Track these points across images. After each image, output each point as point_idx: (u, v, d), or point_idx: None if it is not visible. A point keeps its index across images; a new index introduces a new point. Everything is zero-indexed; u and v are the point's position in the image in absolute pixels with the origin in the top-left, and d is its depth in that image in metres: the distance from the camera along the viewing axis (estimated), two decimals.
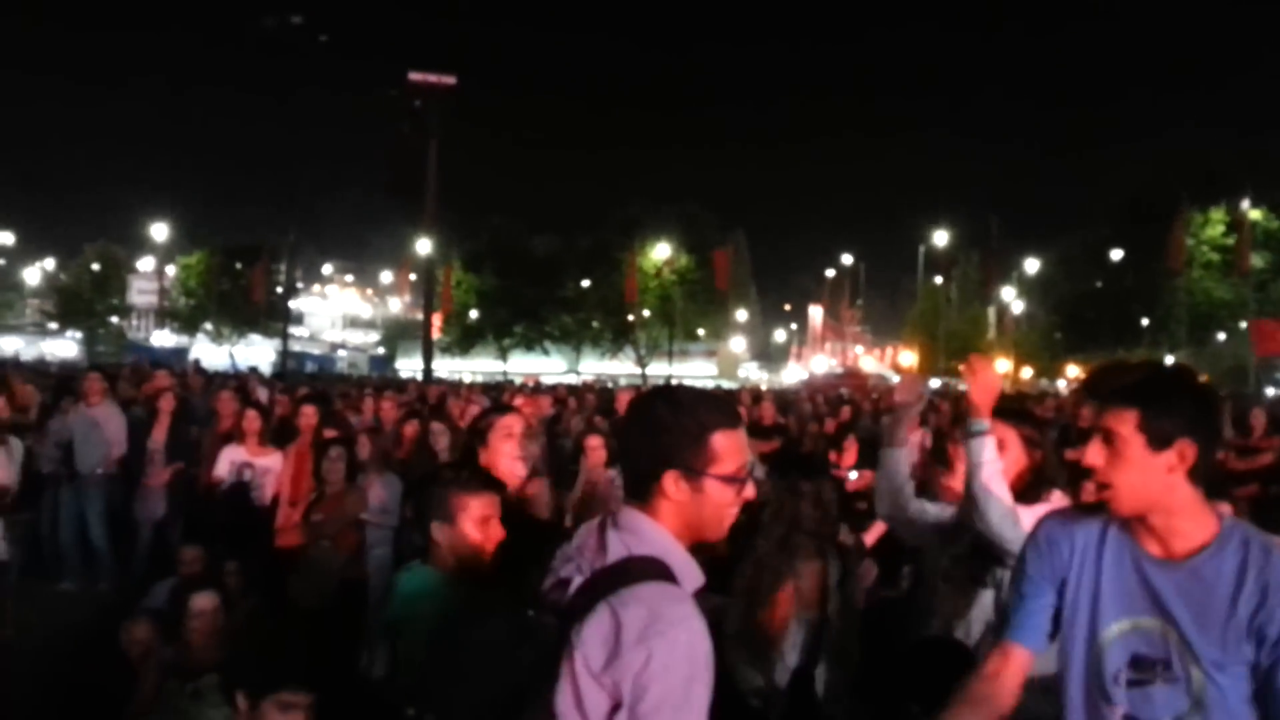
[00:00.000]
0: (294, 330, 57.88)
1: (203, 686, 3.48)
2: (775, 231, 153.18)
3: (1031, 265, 52.84)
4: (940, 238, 52.45)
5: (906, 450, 3.47)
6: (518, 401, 10.50)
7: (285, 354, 45.29)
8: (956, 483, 3.37)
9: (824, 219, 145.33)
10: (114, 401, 8.91)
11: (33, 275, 66.58)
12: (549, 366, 51.84)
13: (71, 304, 58.92)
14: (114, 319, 60.87)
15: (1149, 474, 1.94)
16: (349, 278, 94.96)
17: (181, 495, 8.13)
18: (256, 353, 52.14)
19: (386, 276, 79.96)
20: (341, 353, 76.13)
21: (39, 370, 21.60)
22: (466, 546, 2.89)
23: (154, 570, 7.01)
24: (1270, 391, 36.03)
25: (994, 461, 2.98)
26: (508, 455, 3.65)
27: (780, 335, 78.05)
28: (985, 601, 3.12)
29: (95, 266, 59.18)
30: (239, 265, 53.42)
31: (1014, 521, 2.94)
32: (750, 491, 1.88)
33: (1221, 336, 44.39)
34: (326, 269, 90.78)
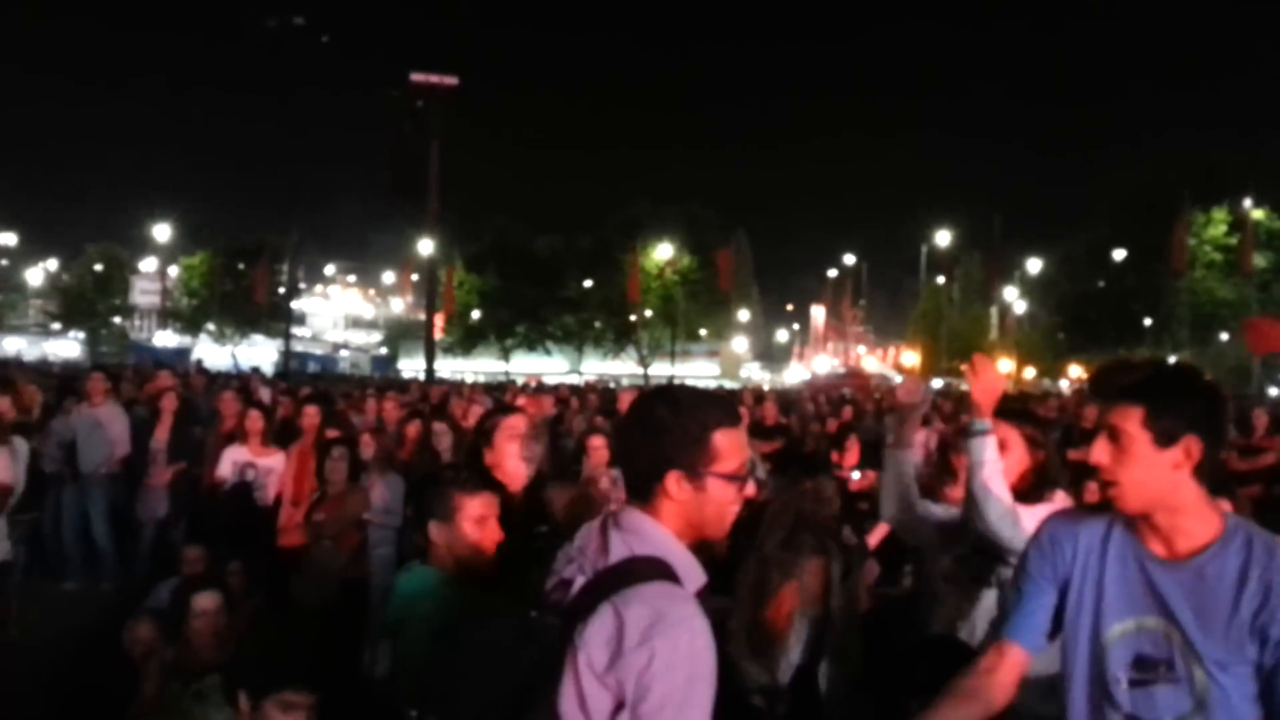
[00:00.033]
0: (296, 330, 57.97)
1: (205, 687, 3.48)
2: (777, 231, 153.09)
3: (1034, 265, 52.82)
4: (942, 238, 52.45)
5: (912, 451, 3.48)
6: (520, 402, 10.50)
7: (288, 354, 45.38)
8: (960, 493, 3.38)
9: (826, 219, 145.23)
10: (117, 401, 8.93)
11: (35, 276, 66.62)
12: (551, 367, 51.85)
13: (74, 304, 58.99)
14: (117, 319, 60.95)
15: (1155, 471, 1.93)
16: (351, 278, 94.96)
17: (184, 495, 8.14)
18: (259, 353, 52.25)
19: (389, 277, 79.98)
20: (344, 353, 76.19)
21: (42, 371, 21.63)
22: (464, 546, 2.89)
23: (157, 570, 7.01)
24: (1273, 391, 35.98)
25: (994, 461, 2.99)
26: (512, 455, 3.67)
27: (782, 335, 78.04)
28: (988, 601, 3.13)
29: (98, 267, 59.24)
30: (241, 265, 53.47)
31: (1013, 521, 2.95)
32: (751, 488, 1.89)
33: (1224, 337, 44.30)
34: (329, 269, 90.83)
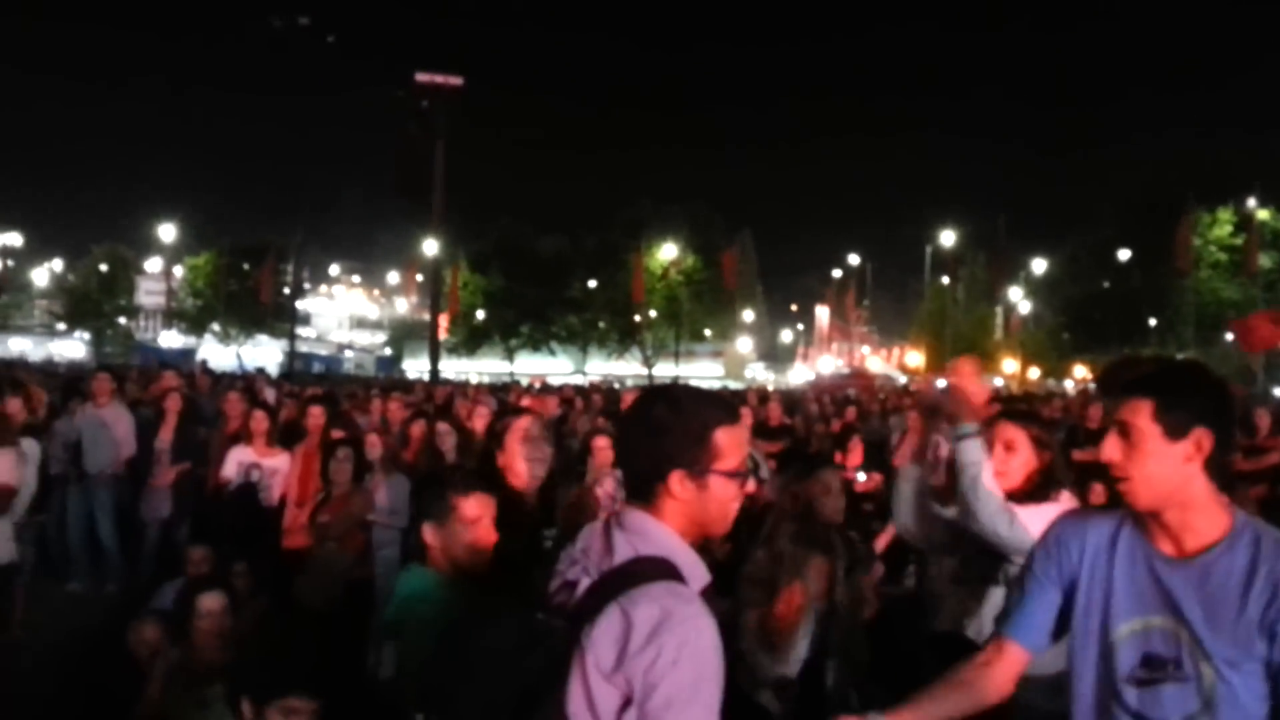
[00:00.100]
0: (301, 331, 58.08)
1: (209, 697, 3.48)
2: (781, 232, 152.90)
3: (1039, 265, 52.77)
4: (947, 238, 52.33)
5: (924, 465, 3.48)
6: (525, 402, 10.51)
7: (292, 354, 45.46)
8: None
9: (830, 219, 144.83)
10: (122, 402, 8.94)
11: (41, 276, 66.82)
12: (555, 367, 51.83)
13: (79, 305, 59.16)
14: (122, 320, 61.13)
15: (1166, 464, 1.93)
16: (356, 278, 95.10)
17: (189, 496, 8.15)
18: (264, 353, 52.28)
19: (393, 277, 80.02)
20: (348, 353, 76.27)
21: (47, 371, 21.69)
22: (459, 548, 2.88)
23: (162, 571, 7.02)
24: (1277, 391, 35.88)
25: (982, 462, 3.01)
26: (524, 457, 3.69)
27: (787, 335, 77.97)
28: (996, 599, 3.12)
29: (103, 267, 59.40)
30: (246, 266, 53.56)
31: (1010, 519, 2.96)
32: (751, 486, 1.90)
33: (1229, 337, 44.21)
34: (333, 270, 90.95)
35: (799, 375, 59.40)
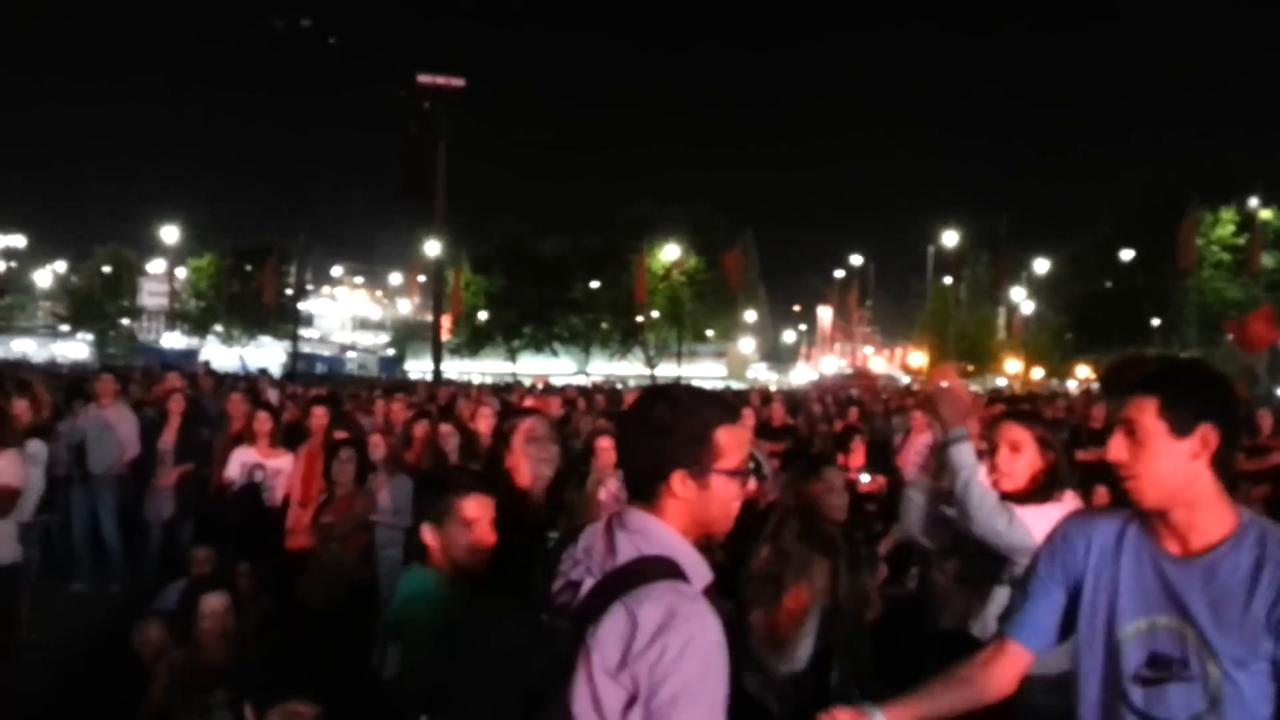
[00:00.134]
0: (304, 332, 58.03)
1: (212, 703, 3.49)
2: (784, 232, 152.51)
3: (1041, 265, 52.66)
4: (949, 238, 52.23)
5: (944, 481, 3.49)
6: (528, 402, 10.51)
7: (295, 356, 45.50)
8: None
9: (832, 219, 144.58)
10: (126, 403, 8.95)
11: (44, 278, 66.88)
12: (558, 368, 51.82)
13: (83, 306, 59.22)
14: (125, 321, 61.16)
15: (1173, 461, 1.92)
16: (358, 279, 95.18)
17: (192, 496, 8.16)
18: (266, 354, 52.32)
19: (396, 278, 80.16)
20: (351, 354, 76.34)
21: (50, 372, 21.71)
22: (457, 548, 2.88)
23: (165, 571, 7.03)
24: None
25: (974, 465, 3.05)
26: (531, 458, 3.69)
27: (789, 336, 77.95)
28: (1000, 599, 3.13)
29: (106, 269, 59.47)
30: (249, 267, 53.57)
31: (1008, 517, 2.97)
32: (752, 484, 1.90)
33: (1230, 337, 44.17)
34: (336, 271, 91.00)
35: (801, 375, 59.38)
